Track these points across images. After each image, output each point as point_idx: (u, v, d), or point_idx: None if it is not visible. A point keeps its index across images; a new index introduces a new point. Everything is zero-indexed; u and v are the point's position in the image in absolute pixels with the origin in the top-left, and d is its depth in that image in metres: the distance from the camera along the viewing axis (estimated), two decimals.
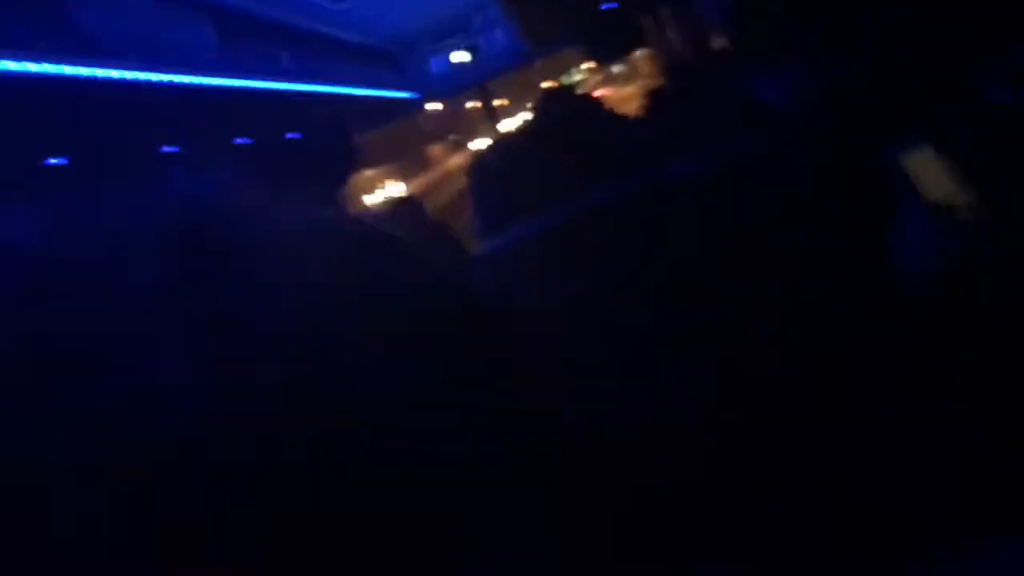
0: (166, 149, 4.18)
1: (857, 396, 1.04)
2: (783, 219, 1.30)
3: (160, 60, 3.09)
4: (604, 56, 7.40)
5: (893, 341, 1.06)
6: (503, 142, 2.19)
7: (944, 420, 0.95)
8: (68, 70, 2.58)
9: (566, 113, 3.21)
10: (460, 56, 6.84)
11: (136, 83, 2.93)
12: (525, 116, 3.09)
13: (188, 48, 3.38)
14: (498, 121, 7.95)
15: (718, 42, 4.77)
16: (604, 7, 6.31)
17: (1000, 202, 1.23)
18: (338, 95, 5.34)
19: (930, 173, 1.30)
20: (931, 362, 1.01)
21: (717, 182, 1.34)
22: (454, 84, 7.12)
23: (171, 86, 3.19)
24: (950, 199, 1.26)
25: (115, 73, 2.84)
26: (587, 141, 2.10)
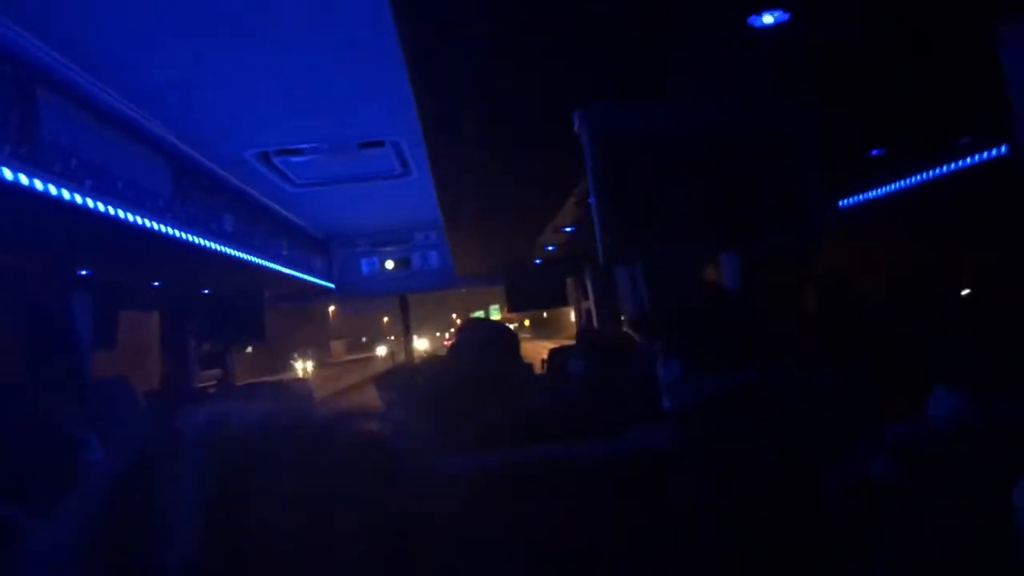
0: (82, 272, 4.16)
1: None
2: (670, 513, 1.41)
3: (115, 193, 3.17)
4: (522, 305, 7.78)
5: None
6: (433, 373, 2.29)
7: None
8: (24, 180, 2.63)
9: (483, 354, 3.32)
10: (391, 265, 7.10)
11: (85, 208, 2.98)
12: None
13: (142, 189, 3.47)
14: (409, 332, 8.19)
15: (628, 323, 5.11)
16: (535, 261, 6.74)
17: None
18: (265, 268, 5.43)
19: None
20: None
21: (616, 471, 1.46)
22: (378, 287, 7.33)
23: (115, 219, 3.25)
24: None
25: (66, 194, 2.90)
26: (512, 392, 2.23)
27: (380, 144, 4.25)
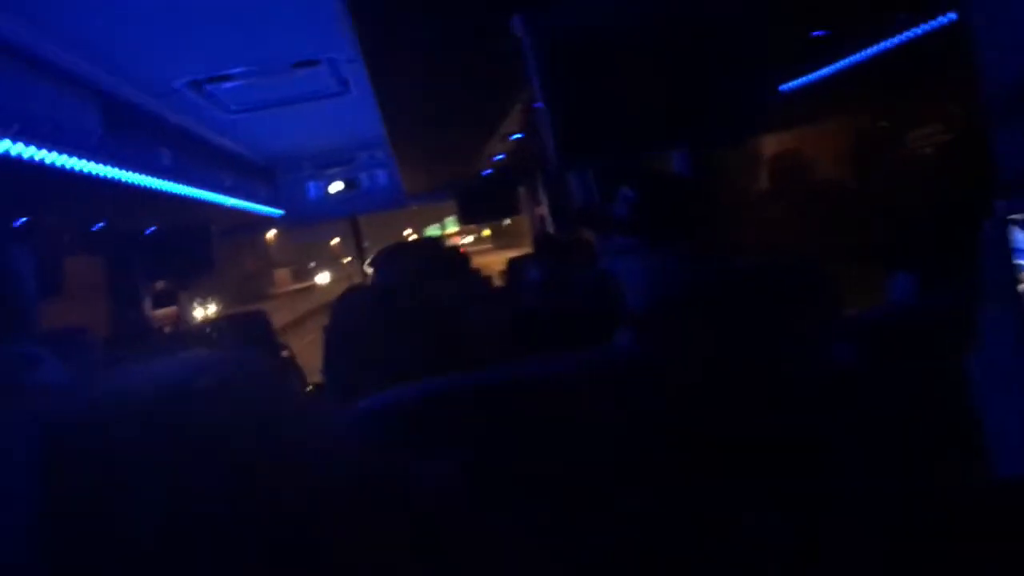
0: (18, 221, 4.02)
1: None
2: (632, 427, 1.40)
3: (43, 136, 3.04)
4: (474, 217, 7.73)
5: None
6: (360, 302, 2.23)
7: None
8: None
9: (426, 270, 3.32)
10: (338, 187, 6.97)
11: (13, 155, 2.86)
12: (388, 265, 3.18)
13: (72, 130, 3.33)
14: (363, 256, 8.11)
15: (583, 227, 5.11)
16: (484, 172, 6.66)
17: None
18: (209, 201, 5.30)
19: None
20: None
21: (569, 387, 1.42)
22: (327, 211, 7.21)
23: (44, 165, 3.12)
24: None
25: None
26: (442, 315, 2.16)
27: (315, 63, 4.11)
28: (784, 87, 4.56)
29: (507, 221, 8.45)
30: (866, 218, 2.88)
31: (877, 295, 2.16)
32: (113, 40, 3.30)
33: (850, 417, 1.43)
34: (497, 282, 5.25)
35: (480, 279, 4.22)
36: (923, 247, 2.02)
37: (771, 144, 3.58)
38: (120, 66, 3.64)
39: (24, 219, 4.22)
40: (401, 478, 0.73)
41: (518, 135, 4.58)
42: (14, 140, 2.91)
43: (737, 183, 3.42)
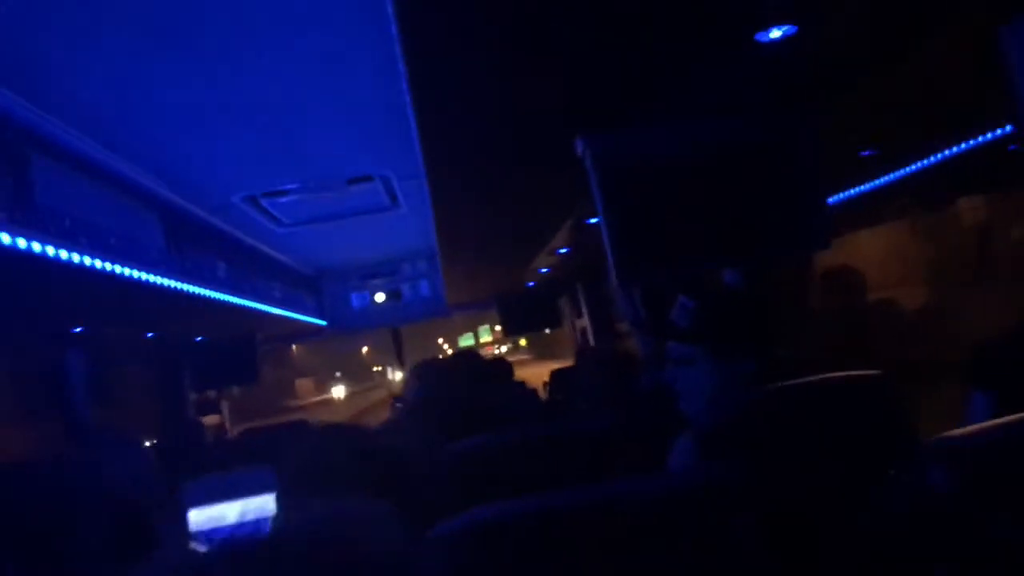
0: (76, 329, 4.10)
1: None
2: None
3: (109, 248, 3.13)
4: (517, 328, 7.76)
5: None
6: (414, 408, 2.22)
7: None
8: (22, 244, 2.59)
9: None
10: (382, 297, 7.06)
11: (81, 266, 2.94)
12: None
13: (135, 242, 3.43)
14: (405, 366, 8.15)
15: (630, 343, 5.10)
16: (528, 284, 6.72)
17: None
18: (259, 311, 5.39)
19: None
20: None
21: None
22: (369, 321, 7.29)
23: (110, 274, 3.21)
24: None
25: (64, 253, 2.86)
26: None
27: (369, 179, 4.23)
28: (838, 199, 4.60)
29: (547, 331, 8.44)
30: (932, 335, 2.85)
31: (949, 415, 2.11)
32: (178, 157, 3.44)
33: (950, 545, 1.38)
34: (542, 394, 5.22)
35: (525, 390, 4.20)
36: (1002, 364, 1.98)
37: (826, 258, 3.59)
38: (183, 182, 3.77)
39: (80, 328, 4.31)
40: None
41: (565, 249, 4.64)
42: (82, 252, 2.99)
43: (793, 297, 3.42)
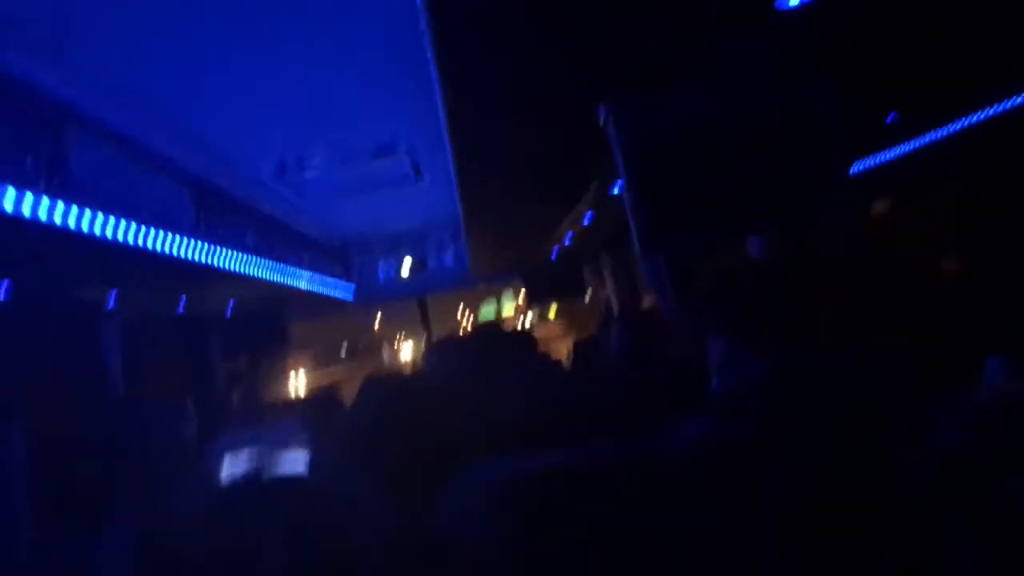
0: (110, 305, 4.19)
1: None
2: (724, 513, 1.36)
3: (141, 222, 3.20)
4: (541, 299, 7.79)
5: None
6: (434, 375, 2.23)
7: None
8: (58, 218, 2.66)
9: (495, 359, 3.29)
10: (408, 268, 7.13)
11: (114, 240, 3.01)
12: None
13: (167, 216, 3.50)
14: (430, 334, 8.27)
15: (656, 309, 5.09)
16: (552, 254, 6.73)
17: None
18: (286, 283, 5.46)
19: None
20: None
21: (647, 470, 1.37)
22: (394, 291, 7.36)
23: (142, 249, 3.27)
24: None
25: (98, 226, 2.93)
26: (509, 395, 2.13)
27: (393, 152, 4.26)
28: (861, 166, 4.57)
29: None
30: (951, 301, 2.83)
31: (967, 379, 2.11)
32: (208, 130, 3.49)
33: (964, 504, 1.40)
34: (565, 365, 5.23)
35: (550, 362, 4.21)
36: (1017, 328, 1.99)
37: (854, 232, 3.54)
38: (213, 154, 3.83)
39: (114, 303, 4.40)
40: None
41: (589, 218, 4.65)
42: (115, 225, 3.06)
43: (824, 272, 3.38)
